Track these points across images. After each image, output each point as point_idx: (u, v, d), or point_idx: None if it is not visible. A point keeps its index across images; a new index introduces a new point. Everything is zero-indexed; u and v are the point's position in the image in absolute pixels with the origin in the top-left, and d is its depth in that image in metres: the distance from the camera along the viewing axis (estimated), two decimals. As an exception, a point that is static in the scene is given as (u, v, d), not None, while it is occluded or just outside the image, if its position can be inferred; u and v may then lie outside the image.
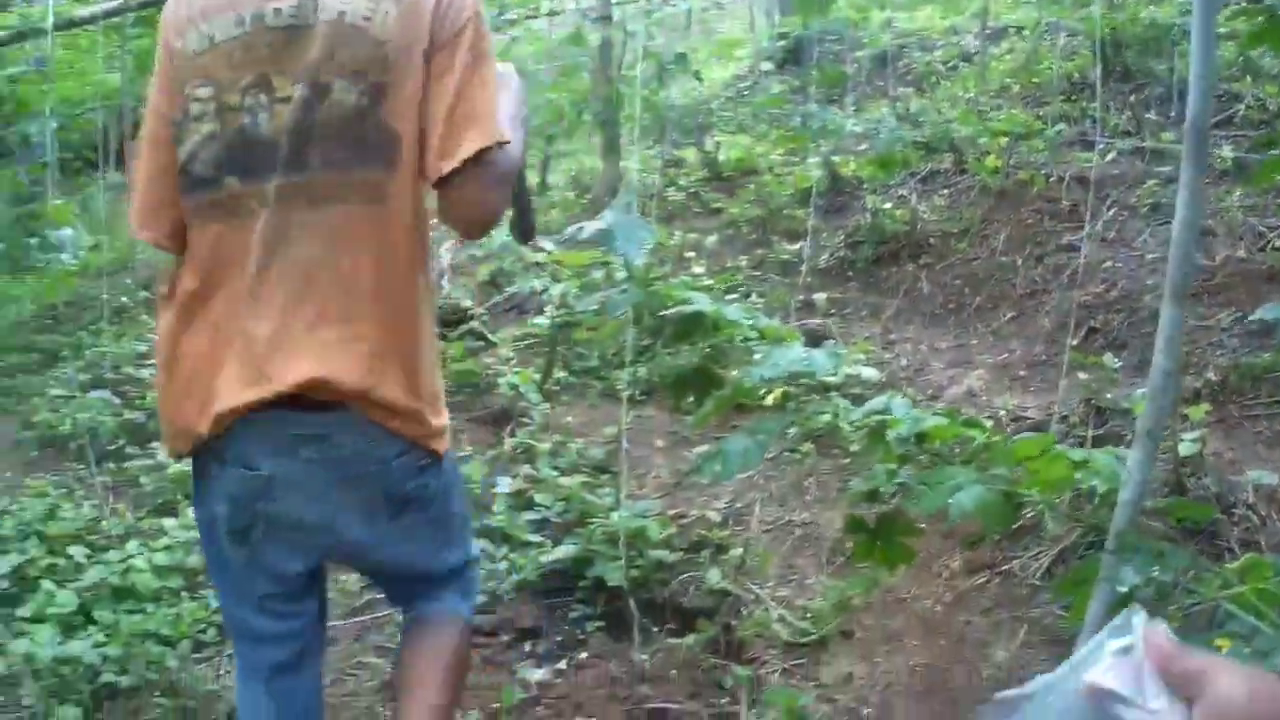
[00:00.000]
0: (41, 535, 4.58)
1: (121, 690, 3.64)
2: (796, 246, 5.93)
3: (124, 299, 8.18)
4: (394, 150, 1.73)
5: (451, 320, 5.85)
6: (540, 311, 5.74)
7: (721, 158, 7.76)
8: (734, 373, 2.79)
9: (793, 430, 3.82)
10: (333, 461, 1.79)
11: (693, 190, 7.62)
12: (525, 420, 4.78)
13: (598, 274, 4.99)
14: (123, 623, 3.88)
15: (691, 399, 2.82)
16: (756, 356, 2.70)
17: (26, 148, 11.11)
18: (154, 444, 5.62)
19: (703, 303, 2.78)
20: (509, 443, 4.50)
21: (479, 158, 1.68)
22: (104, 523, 4.72)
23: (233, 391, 1.75)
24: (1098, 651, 0.78)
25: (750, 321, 2.77)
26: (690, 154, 7.95)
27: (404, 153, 1.73)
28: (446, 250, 6.89)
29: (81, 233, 5.35)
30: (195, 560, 4.30)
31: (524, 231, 2.13)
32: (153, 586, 4.10)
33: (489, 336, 5.96)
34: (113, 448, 5.56)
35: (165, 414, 1.89)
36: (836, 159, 6.62)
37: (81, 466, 5.40)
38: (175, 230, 1.85)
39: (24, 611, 4.04)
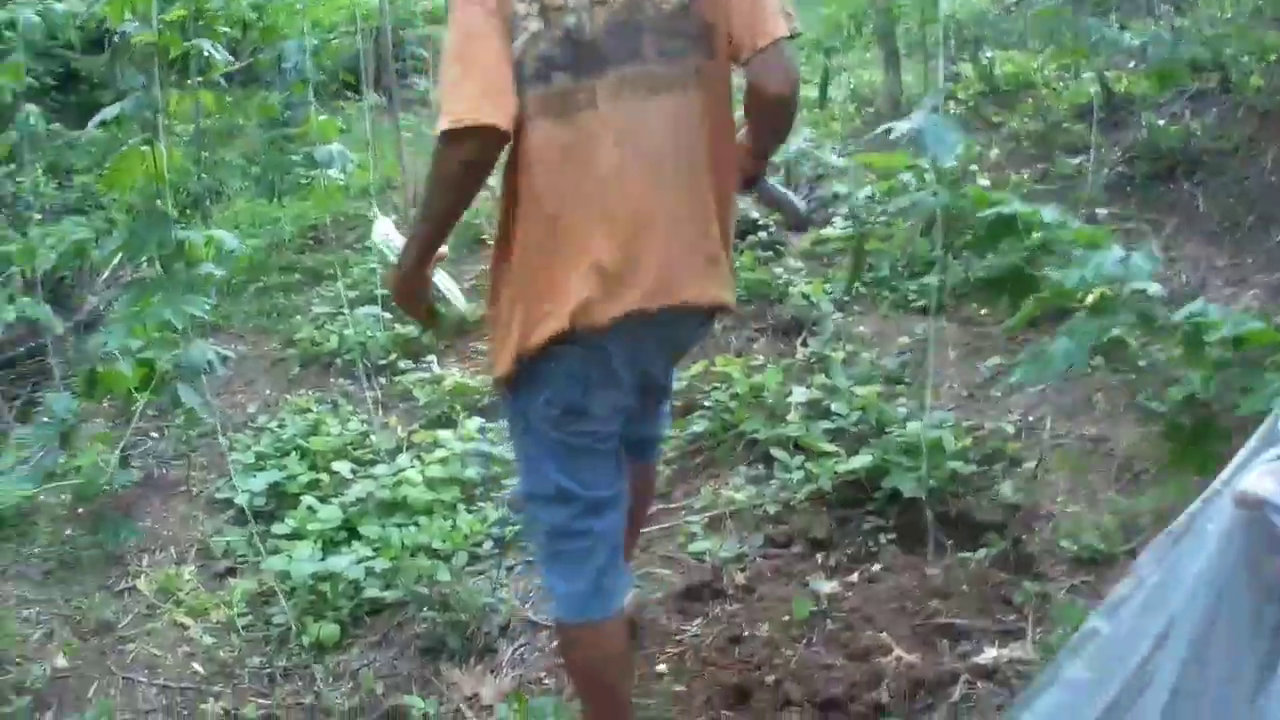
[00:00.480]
0: (303, 451, 5.14)
1: (385, 605, 4.00)
2: (1077, 161, 6.98)
3: (393, 217, 9.00)
4: (713, 39, 2.39)
5: (740, 230, 6.49)
6: (828, 222, 6.76)
7: (997, 72, 9.20)
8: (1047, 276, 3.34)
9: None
10: (671, 341, 2.67)
11: (972, 104, 8.84)
12: (817, 330, 5.38)
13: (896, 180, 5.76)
14: (391, 536, 4.23)
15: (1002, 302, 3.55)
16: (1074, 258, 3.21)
17: (279, 74, 12.61)
18: (428, 358, 6.12)
19: (1015, 205, 3.36)
20: (801, 352, 5.21)
21: (779, 43, 2.38)
22: (372, 437, 5.20)
23: (596, 300, 2.36)
24: (1249, 461, 0.91)
25: (1063, 224, 3.32)
26: (967, 69, 9.38)
27: (719, 41, 2.39)
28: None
29: (346, 151, 5.95)
30: (472, 473, 4.64)
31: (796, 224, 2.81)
32: (425, 500, 4.45)
33: (779, 247, 6.62)
34: (383, 363, 6.09)
35: (510, 307, 2.48)
36: (1110, 74, 7.77)
37: (348, 382, 6.00)
38: (512, 118, 2.29)
39: (281, 529, 4.55)
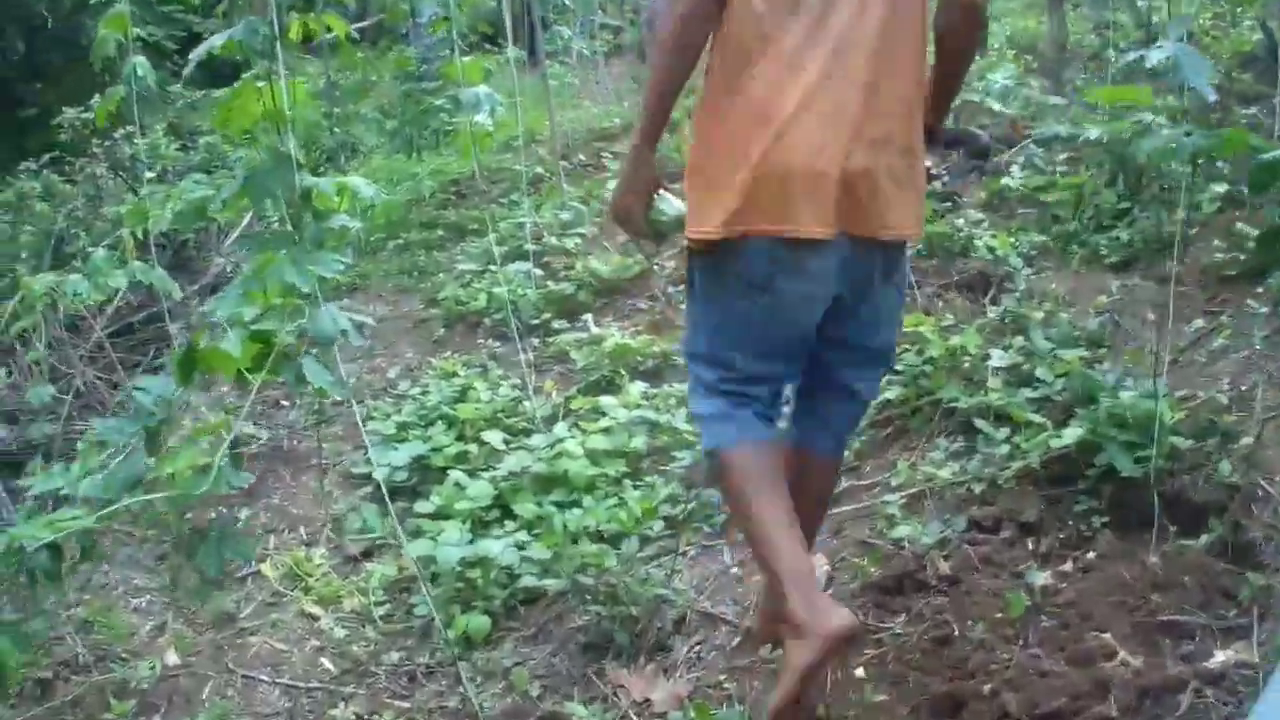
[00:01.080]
0: (450, 420, 4.63)
1: (542, 595, 3.45)
2: (1250, 111, 6.44)
3: (538, 169, 8.53)
4: None
5: None
6: (1004, 172, 6.04)
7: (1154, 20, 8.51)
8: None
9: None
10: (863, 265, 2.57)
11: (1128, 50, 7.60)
12: (1010, 286, 4.76)
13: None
14: (550, 517, 3.69)
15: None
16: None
17: (413, 26, 12.40)
18: (584, 316, 5.58)
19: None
20: (993, 311, 4.57)
21: None
22: (526, 404, 4.68)
23: (798, 213, 2.39)
24: None
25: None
26: (1122, 16, 8.98)
27: None
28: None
29: (495, 94, 5.42)
30: (639, 443, 4.07)
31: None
32: (586, 475, 3.91)
33: (956, 197, 5.97)
34: (535, 322, 5.58)
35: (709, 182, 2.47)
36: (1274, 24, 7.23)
37: (498, 344, 5.49)
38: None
39: (425, 507, 4.04)
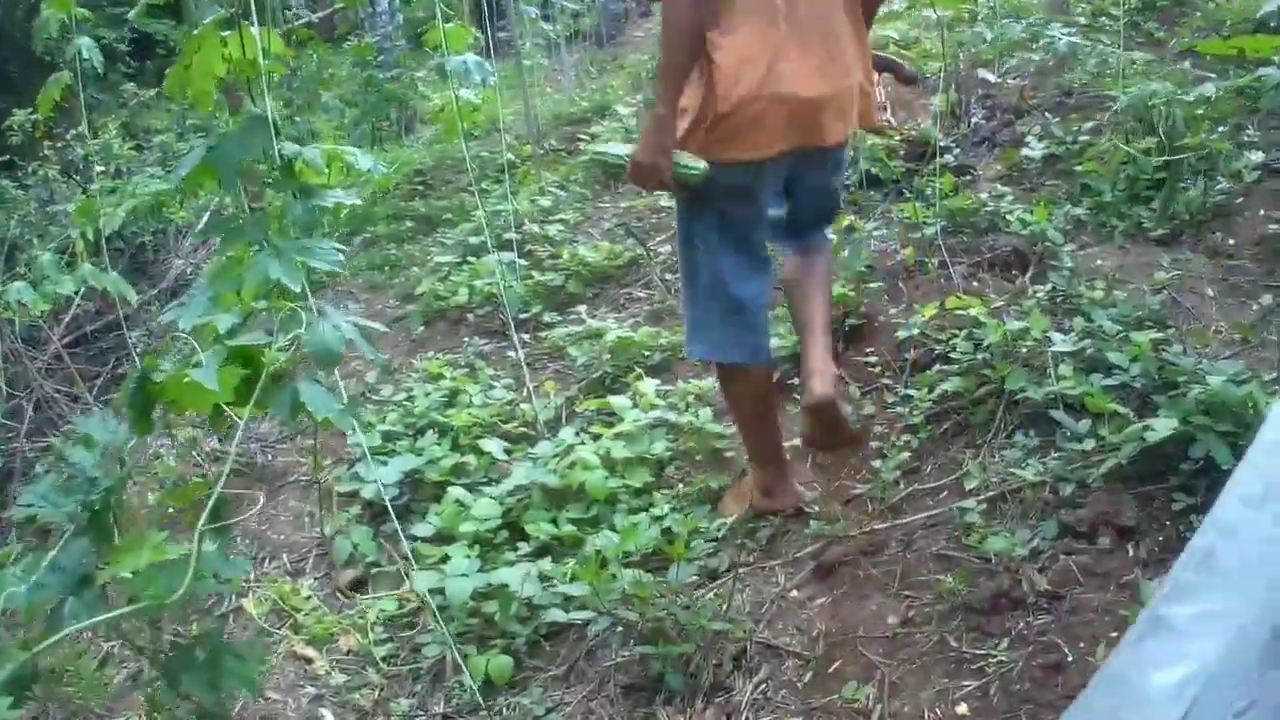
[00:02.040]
0: (442, 428, 4.15)
1: (574, 630, 2.97)
2: None
3: (509, 156, 8.02)
4: None
5: (919, 153, 5.62)
6: (1020, 143, 5.60)
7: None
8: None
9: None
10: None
11: (1128, 20, 7.12)
12: (1055, 264, 4.24)
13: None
14: (568, 536, 3.23)
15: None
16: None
17: (371, 15, 11.93)
18: (576, 308, 5.10)
19: None
20: (1039, 292, 4.06)
21: None
22: (523, 406, 4.19)
23: (782, 136, 2.95)
24: None
25: None
26: None
27: None
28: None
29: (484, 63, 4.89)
30: (660, 447, 3.60)
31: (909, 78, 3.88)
32: (607, 487, 3.42)
33: (971, 170, 5.51)
34: (524, 316, 5.09)
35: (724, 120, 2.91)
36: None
37: (483, 341, 5.02)
38: None
39: (424, 529, 3.57)
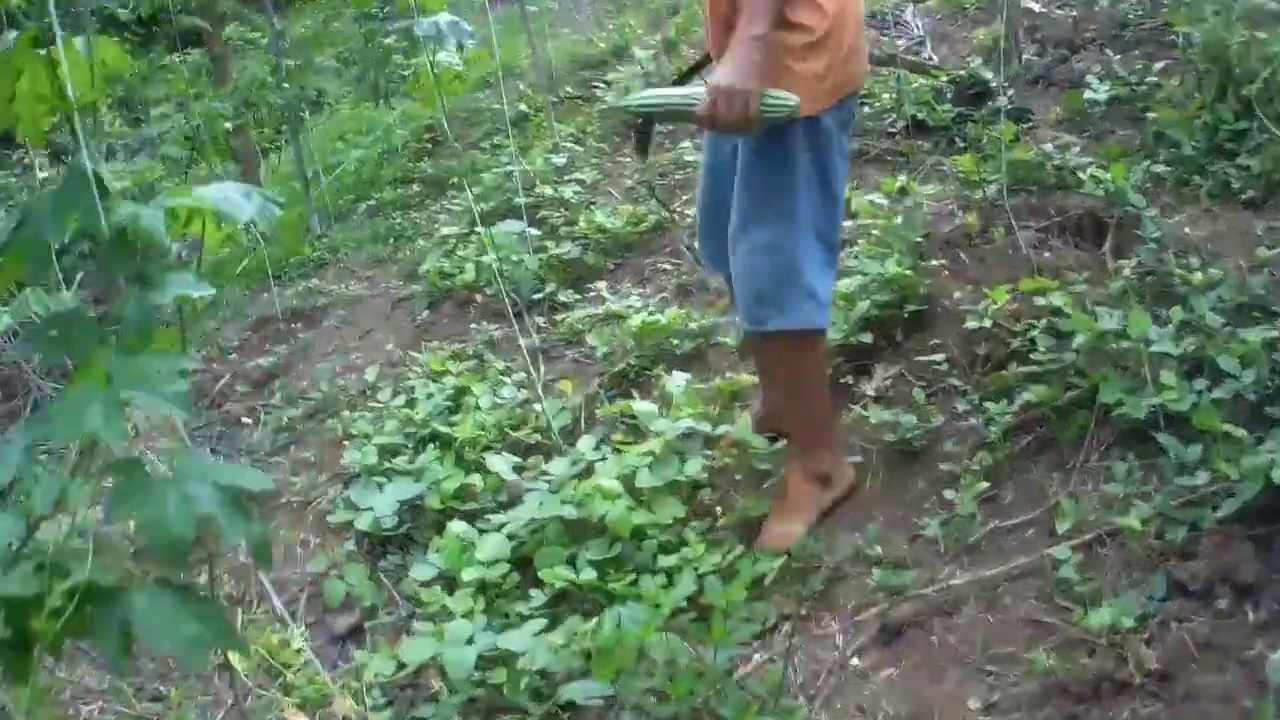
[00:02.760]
0: (444, 440, 3.65)
1: (595, 711, 2.48)
2: None
3: (522, 106, 7.46)
4: None
5: (970, 95, 5.01)
6: (1079, 83, 4.87)
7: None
8: None
9: None
10: None
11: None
12: (1140, 234, 3.55)
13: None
14: (590, 584, 2.73)
15: None
16: None
17: None
18: (595, 284, 4.58)
19: None
20: (1118, 265, 3.43)
21: None
22: (538, 408, 3.67)
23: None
24: None
25: None
26: None
27: None
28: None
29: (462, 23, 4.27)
30: (695, 467, 3.08)
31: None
32: (633, 522, 2.90)
33: (1028, 115, 4.79)
34: (537, 296, 4.57)
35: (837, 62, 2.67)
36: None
37: (493, 326, 4.50)
38: None
39: (424, 570, 3.08)
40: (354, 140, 9.28)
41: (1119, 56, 4.93)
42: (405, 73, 6.13)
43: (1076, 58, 5.15)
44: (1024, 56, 5.31)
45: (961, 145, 4.59)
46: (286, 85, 6.33)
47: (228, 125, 6.35)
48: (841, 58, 2.64)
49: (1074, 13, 5.59)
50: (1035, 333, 3.02)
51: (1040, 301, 3.08)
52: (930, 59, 5.51)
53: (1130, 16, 5.32)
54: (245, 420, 4.56)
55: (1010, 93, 4.88)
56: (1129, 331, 2.78)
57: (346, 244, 6.16)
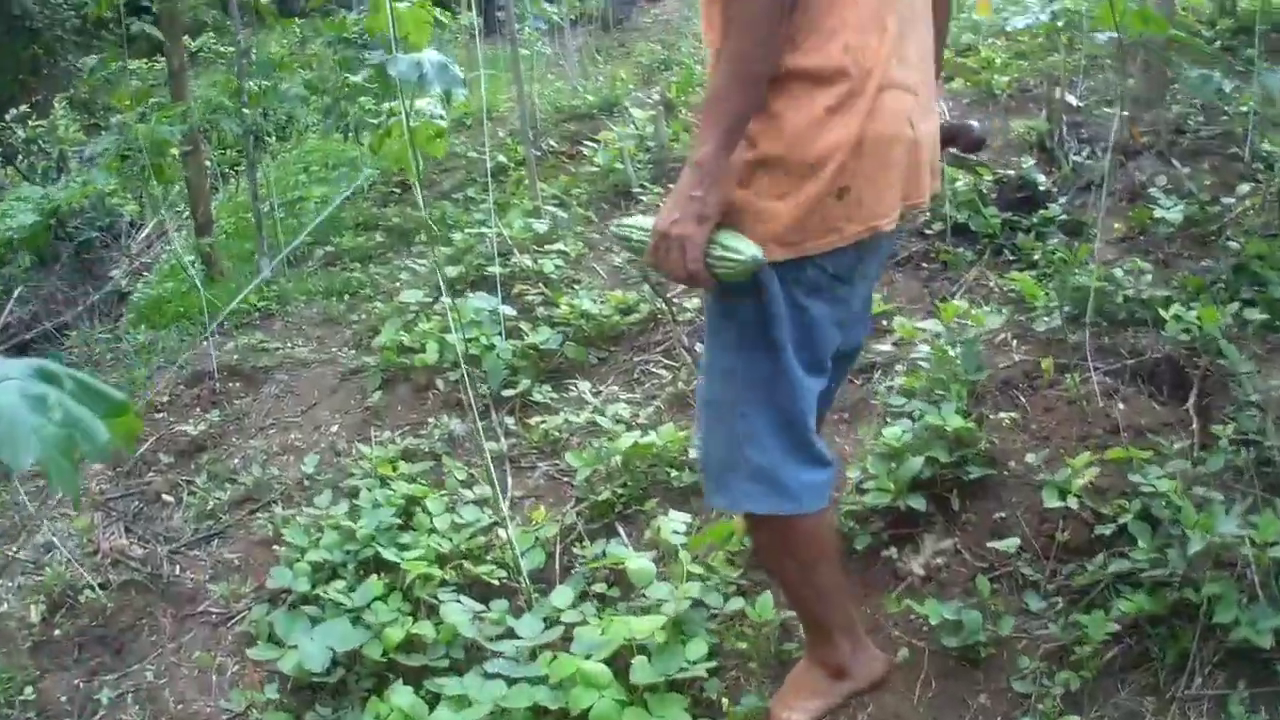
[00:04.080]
0: (390, 568, 3.04)
1: None
2: None
3: (501, 157, 6.90)
4: None
5: (1017, 199, 4.41)
6: (1139, 193, 4.36)
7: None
8: None
9: None
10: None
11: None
12: (1235, 388, 2.98)
13: None
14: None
15: None
16: None
17: None
18: (573, 381, 4.00)
19: None
20: (1208, 428, 2.90)
21: None
22: (502, 533, 3.10)
23: (903, 191, 2.06)
24: None
25: None
26: None
27: None
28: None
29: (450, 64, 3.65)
30: (701, 650, 2.54)
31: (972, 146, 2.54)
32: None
33: (1085, 227, 4.14)
34: (508, 390, 3.97)
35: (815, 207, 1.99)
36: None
37: (454, 419, 3.92)
38: None
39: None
40: (318, 174, 8.68)
41: (1187, 169, 4.41)
42: (375, 120, 5.50)
43: (1132, 164, 4.64)
44: (1071, 157, 4.80)
45: (1010, 257, 4.07)
46: (246, 110, 5.72)
47: (174, 151, 5.72)
48: (836, 191, 1.96)
49: (1124, 111, 5.09)
50: (1128, 517, 2.47)
51: (1131, 475, 2.53)
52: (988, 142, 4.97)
53: (1189, 122, 4.84)
54: (166, 497, 3.94)
55: (1062, 199, 4.37)
56: (1254, 537, 2.24)
57: (297, 295, 5.54)
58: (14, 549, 3.72)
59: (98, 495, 3.96)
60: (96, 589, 3.33)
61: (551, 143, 7.23)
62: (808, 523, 2.23)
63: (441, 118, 4.02)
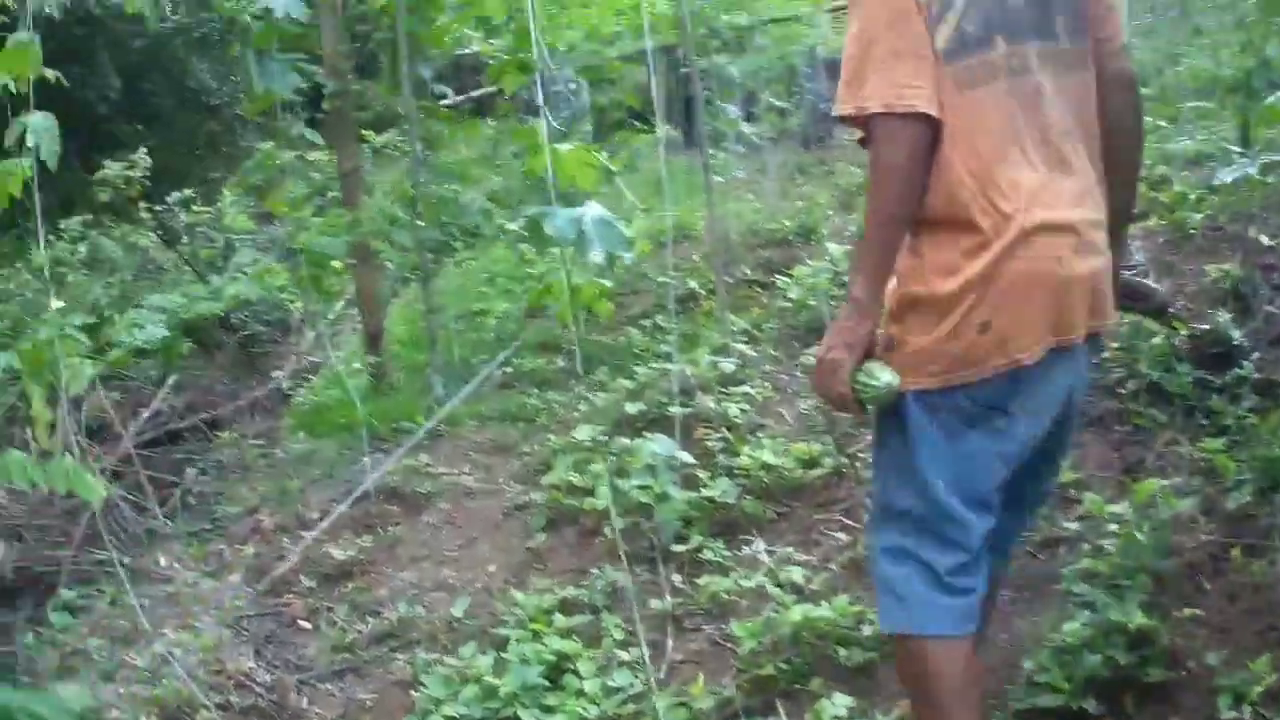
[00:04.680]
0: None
1: None
2: None
3: (692, 282, 6.95)
4: (1087, 26, 2.37)
5: (1211, 355, 4.20)
6: None
7: None
8: None
9: None
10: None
11: None
12: None
13: None
14: None
15: None
16: None
17: (546, 95, 10.98)
18: (747, 538, 3.93)
19: None
20: None
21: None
22: (656, 703, 3.02)
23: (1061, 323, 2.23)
24: None
25: None
26: None
27: (1090, 28, 2.40)
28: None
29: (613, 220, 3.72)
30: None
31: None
32: None
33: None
34: (678, 545, 3.92)
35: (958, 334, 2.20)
36: None
37: (617, 573, 3.86)
38: (935, 101, 2.18)
39: None
40: (504, 284, 8.80)
41: None
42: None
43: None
44: (1265, 307, 4.53)
45: (1203, 422, 3.86)
46: (421, 223, 5.86)
47: (335, 262, 5.92)
48: (978, 326, 2.17)
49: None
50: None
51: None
52: (1172, 308, 4.74)
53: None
54: (303, 623, 4.01)
55: (1255, 356, 4.13)
56: None
57: (468, 417, 5.63)
58: (128, 654, 3.79)
59: (231, 611, 4.04)
60: (214, 710, 3.37)
61: (745, 270, 7.25)
62: (942, 654, 2.31)
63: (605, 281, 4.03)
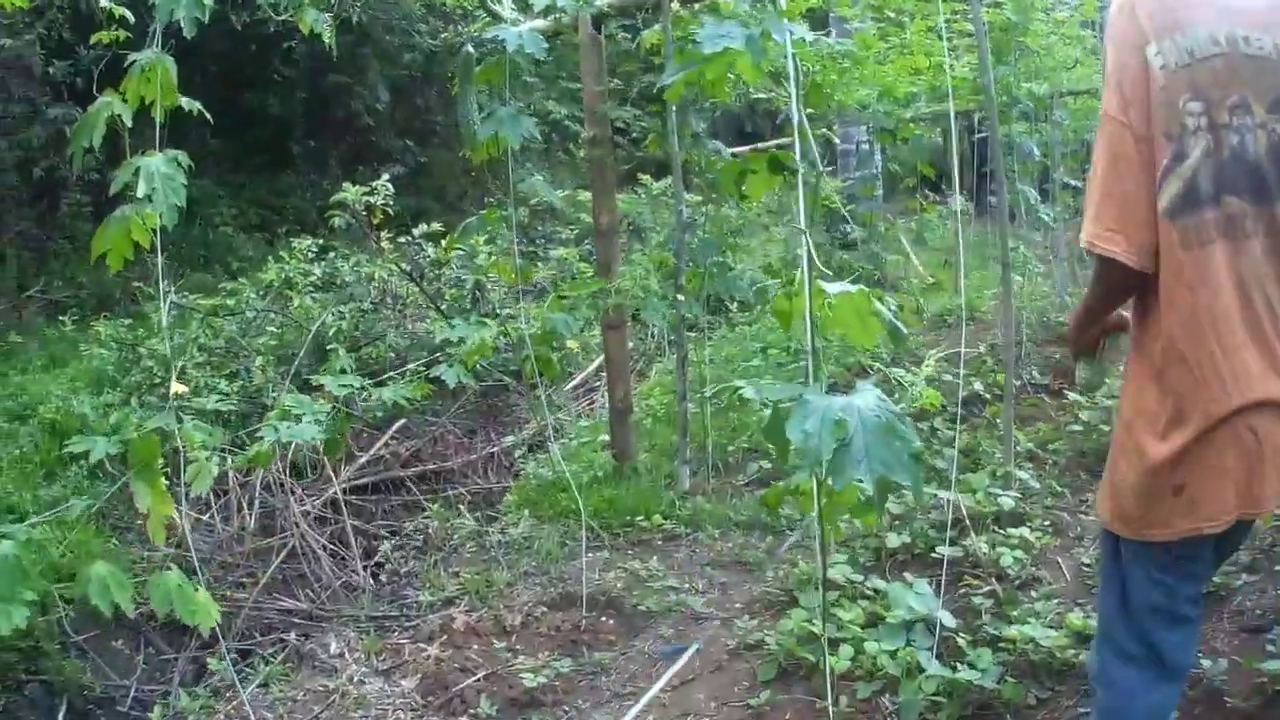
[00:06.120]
0: None
1: None
2: None
3: (976, 384, 6.49)
4: None
5: None
6: None
7: None
8: None
9: None
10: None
11: None
12: None
13: None
14: None
15: None
16: None
17: (839, 155, 10.64)
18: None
19: None
20: None
21: None
22: None
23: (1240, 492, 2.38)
24: None
25: None
26: None
27: None
28: None
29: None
30: None
31: None
32: None
33: None
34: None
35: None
36: None
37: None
38: (1142, 251, 2.37)
39: None
40: (776, 356, 8.42)
41: None
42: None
43: None
44: None
45: None
46: (681, 298, 5.59)
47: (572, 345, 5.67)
48: (1173, 488, 2.40)
49: None
50: None
51: None
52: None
53: None
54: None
55: None
56: None
57: (712, 521, 5.32)
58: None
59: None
60: None
61: (1034, 371, 6.75)
62: None
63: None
